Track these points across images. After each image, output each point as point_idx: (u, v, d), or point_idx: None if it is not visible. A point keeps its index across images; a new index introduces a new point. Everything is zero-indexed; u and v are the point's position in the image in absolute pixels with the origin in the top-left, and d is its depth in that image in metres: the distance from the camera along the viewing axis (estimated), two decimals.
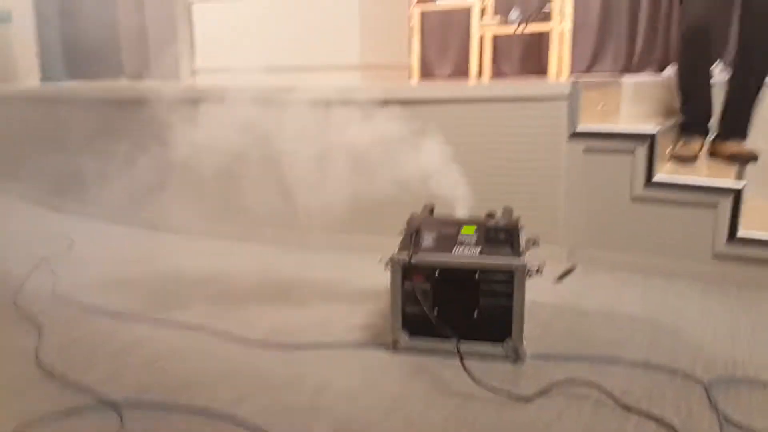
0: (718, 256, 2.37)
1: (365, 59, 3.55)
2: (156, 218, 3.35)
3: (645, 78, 3.38)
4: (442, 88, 2.71)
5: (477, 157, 2.66)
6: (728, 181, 2.38)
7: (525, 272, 1.72)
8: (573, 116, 2.52)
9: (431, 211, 2.10)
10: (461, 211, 2.16)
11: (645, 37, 4.61)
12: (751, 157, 2.75)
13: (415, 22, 5.21)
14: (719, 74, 3.45)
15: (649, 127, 2.49)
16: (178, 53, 4.64)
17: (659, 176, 2.46)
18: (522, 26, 4.67)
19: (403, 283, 1.79)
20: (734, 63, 2.84)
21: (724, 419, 1.43)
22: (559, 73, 4.55)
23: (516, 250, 1.77)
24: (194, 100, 3.08)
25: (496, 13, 4.95)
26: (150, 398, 1.56)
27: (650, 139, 2.44)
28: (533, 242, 1.95)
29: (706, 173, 2.58)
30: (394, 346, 1.82)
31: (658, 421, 1.43)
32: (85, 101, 3.54)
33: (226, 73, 3.99)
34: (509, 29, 4.80)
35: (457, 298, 1.77)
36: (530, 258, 1.76)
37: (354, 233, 2.91)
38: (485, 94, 2.64)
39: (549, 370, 1.69)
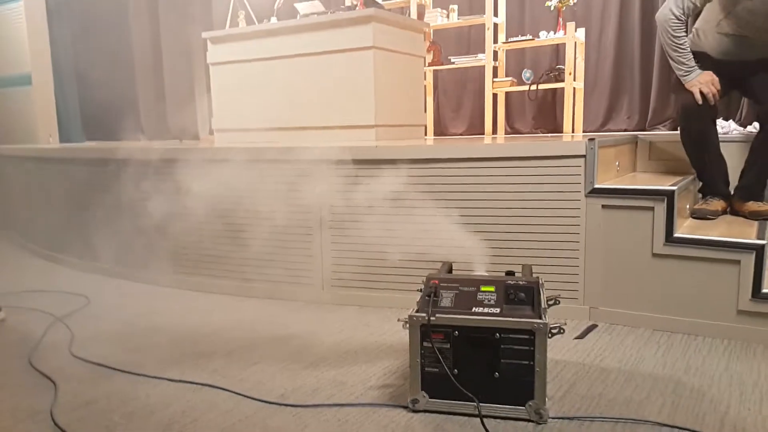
0: (742, 313, 2.33)
1: (380, 119, 3.60)
2: (169, 276, 3.37)
3: (660, 134, 3.39)
4: (459, 147, 2.73)
5: (495, 215, 2.67)
6: (750, 238, 2.36)
7: (546, 332, 1.69)
8: (591, 173, 2.53)
9: (450, 269, 2.09)
10: (480, 270, 2.15)
11: (658, 95, 4.64)
12: None
13: (429, 80, 5.31)
14: (734, 132, 3.47)
15: (668, 184, 2.48)
16: (196, 114, 4.75)
17: (680, 233, 2.44)
18: (535, 86, 4.74)
19: (422, 343, 1.77)
20: (759, 124, 2.85)
21: None
22: (572, 131, 4.59)
23: (537, 310, 1.75)
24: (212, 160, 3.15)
25: (507, 74, 5.04)
26: None
27: (669, 196, 2.43)
28: (554, 301, 1.93)
29: (726, 230, 2.56)
30: (413, 406, 1.78)
31: None
32: (101, 161, 3.61)
33: (244, 133, 4.07)
34: (522, 87, 4.87)
35: (477, 358, 1.74)
36: (551, 317, 1.73)
37: (370, 290, 2.89)
38: (503, 153, 2.66)
39: None
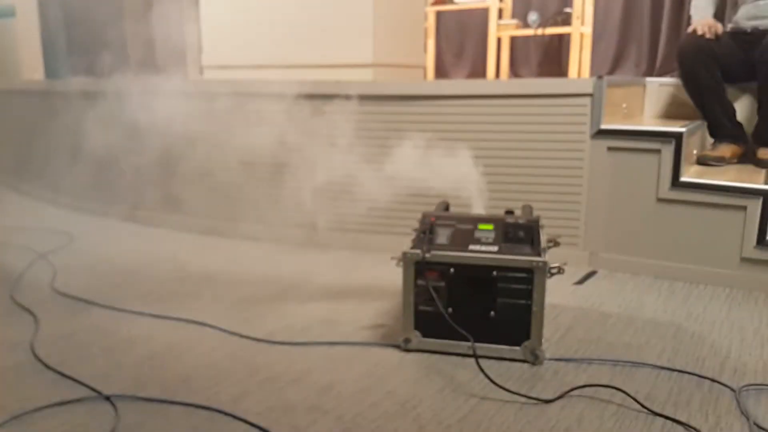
0: (746, 261, 2.26)
1: (378, 58, 3.47)
2: (161, 215, 3.29)
3: (669, 80, 3.27)
4: (461, 84, 2.63)
5: (496, 155, 2.58)
6: (758, 184, 2.27)
7: (545, 271, 1.62)
8: (597, 114, 2.43)
9: (446, 207, 2.01)
10: (478, 209, 2.07)
11: (667, 41, 4.49)
12: None
13: (431, 22, 5.13)
14: None
15: (676, 127, 2.39)
16: (185, 49, 4.56)
17: (686, 177, 2.36)
18: (541, 30, 4.59)
19: (416, 281, 1.70)
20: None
21: (755, 425, 1.34)
22: (579, 77, 4.45)
23: (536, 249, 1.68)
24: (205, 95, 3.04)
25: (513, 16, 4.87)
26: (147, 393, 1.48)
27: (677, 138, 2.34)
28: (554, 242, 1.86)
29: (734, 176, 2.48)
30: (405, 345, 1.72)
31: (685, 426, 1.34)
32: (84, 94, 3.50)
33: (235, 71, 3.93)
34: (528, 31, 4.72)
35: (472, 297, 1.67)
36: (550, 258, 1.66)
37: (366, 233, 2.82)
38: (506, 90, 2.56)
39: (569, 374, 1.60)
